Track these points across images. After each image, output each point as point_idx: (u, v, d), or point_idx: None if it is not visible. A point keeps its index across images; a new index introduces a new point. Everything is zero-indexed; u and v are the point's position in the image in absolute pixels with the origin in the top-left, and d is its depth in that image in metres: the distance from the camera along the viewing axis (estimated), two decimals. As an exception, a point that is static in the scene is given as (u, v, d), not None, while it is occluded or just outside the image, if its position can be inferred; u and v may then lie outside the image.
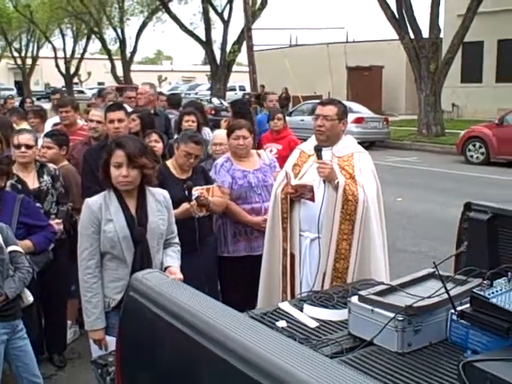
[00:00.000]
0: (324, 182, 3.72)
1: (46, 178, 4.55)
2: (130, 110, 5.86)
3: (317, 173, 3.73)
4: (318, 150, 3.80)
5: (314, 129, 3.91)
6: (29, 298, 3.65)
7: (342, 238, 3.68)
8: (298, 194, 3.75)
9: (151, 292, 1.91)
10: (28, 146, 4.42)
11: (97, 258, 3.32)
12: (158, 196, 3.49)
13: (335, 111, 3.87)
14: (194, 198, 4.19)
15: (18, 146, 4.41)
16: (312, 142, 4.02)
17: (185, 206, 4.18)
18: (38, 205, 4.40)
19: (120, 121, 4.84)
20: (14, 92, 43.78)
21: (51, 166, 4.71)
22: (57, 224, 4.41)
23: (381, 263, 3.79)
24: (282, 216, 3.85)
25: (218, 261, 4.59)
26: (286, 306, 2.71)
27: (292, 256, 3.83)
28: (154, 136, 5.24)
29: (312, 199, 3.71)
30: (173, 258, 3.53)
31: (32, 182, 4.47)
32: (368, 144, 19.47)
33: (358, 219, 3.67)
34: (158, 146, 5.06)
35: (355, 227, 3.68)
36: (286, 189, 3.82)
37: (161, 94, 9.82)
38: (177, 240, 3.63)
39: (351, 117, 19.14)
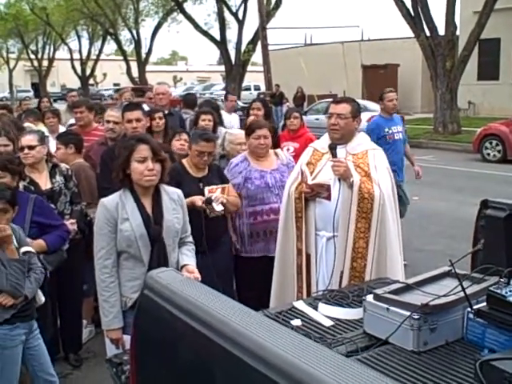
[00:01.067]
0: (339, 180, 3.71)
1: (58, 178, 4.57)
2: (147, 109, 5.88)
3: (332, 171, 3.72)
4: (332, 148, 3.79)
5: (328, 127, 3.91)
6: (41, 298, 3.68)
7: (358, 237, 3.67)
8: (314, 193, 3.73)
9: (165, 290, 1.91)
10: (30, 147, 4.42)
11: (113, 258, 3.33)
12: (172, 195, 3.51)
13: (349, 109, 3.87)
14: (207, 197, 4.19)
15: (22, 148, 4.44)
16: (325, 140, 4.01)
17: (196, 198, 4.15)
18: (51, 205, 4.41)
19: (138, 120, 4.84)
20: (31, 94, 44.15)
21: (63, 165, 4.72)
22: (71, 224, 4.43)
23: (397, 261, 3.79)
24: (296, 215, 3.83)
25: (233, 260, 4.60)
26: (300, 305, 2.70)
27: (308, 256, 3.81)
28: (184, 136, 5.22)
29: (328, 198, 3.69)
30: (188, 257, 3.54)
31: (44, 182, 4.49)
32: (384, 143, 19.40)
33: (375, 217, 3.66)
34: (186, 146, 4.93)
35: (372, 225, 3.67)
36: (300, 188, 3.81)
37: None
38: (191, 239, 3.64)
39: (366, 115, 19.07)
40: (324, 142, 4.01)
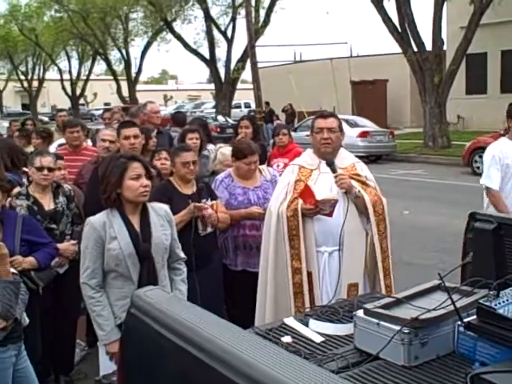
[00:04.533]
0: (345, 193, 3.74)
1: (61, 199, 4.55)
2: None
3: (337, 186, 3.76)
4: (330, 164, 3.83)
5: (318, 143, 3.89)
6: (26, 318, 3.64)
7: (382, 238, 3.80)
8: (317, 210, 3.70)
9: (152, 309, 1.89)
10: (50, 169, 4.43)
11: (99, 278, 3.34)
12: (159, 211, 3.52)
13: (337, 123, 3.92)
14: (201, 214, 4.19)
15: (41, 169, 4.40)
16: (309, 156, 4.01)
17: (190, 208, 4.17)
18: (53, 226, 4.42)
19: (135, 137, 4.83)
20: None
21: (66, 186, 4.72)
22: (72, 245, 4.41)
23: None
24: (291, 233, 3.76)
25: (223, 277, 4.58)
26: (291, 322, 2.68)
27: (309, 273, 3.77)
28: (164, 154, 5.15)
29: (330, 214, 3.69)
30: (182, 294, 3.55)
31: (48, 203, 4.47)
32: (374, 158, 19.49)
33: (387, 217, 3.86)
34: (168, 164, 4.94)
35: (387, 224, 3.86)
36: (293, 206, 3.76)
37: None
38: (182, 266, 3.63)
39: (356, 131, 19.20)
40: (309, 158, 4.00)
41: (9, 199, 4.26)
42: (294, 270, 3.77)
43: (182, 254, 3.64)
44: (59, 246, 4.36)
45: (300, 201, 3.75)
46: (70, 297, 4.45)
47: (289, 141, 6.96)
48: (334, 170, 3.80)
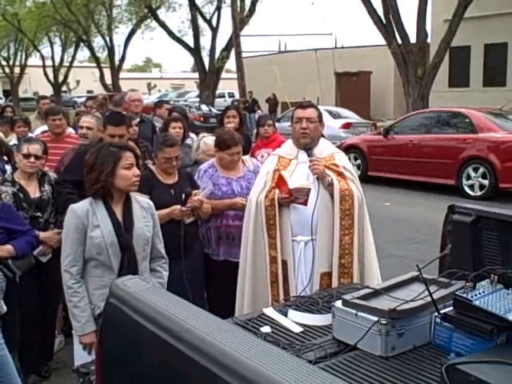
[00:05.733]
0: (317, 180, 3.73)
1: (46, 187, 4.52)
2: None
3: (310, 171, 3.76)
4: (308, 149, 3.84)
5: (297, 132, 3.91)
6: (4, 306, 3.63)
7: (344, 234, 3.74)
8: (292, 199, 3.72)
9: (130, 298, 1.89)
10: (37, 157, 4.38)
11: (79, 265, 3.33)
12: (142, 203, 3.54)
13: (316, 113, 3.94)
14: (187, 205, 4.19)
15: (28, 156, 4.35)
16: (289, 146, 4.02)
17: (176, 207, 4.17)
18: (38, 214, 4.38)
19: (121, 137, 4.69)
20: (2, 101, 43.58)
21: (52, 175, 4.68)
22: (57, 234, 4.37)
23: (374, 256, 3.94)
24: (268, 223, 3.79)
25: (203, 267, 4.59)
26: (270, 312, 2.70)
27: (283, 262, 3.79)
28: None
29: (305, 203, 3.70)
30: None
31: (34, 191, 4.43)
32: (357, 149, 19.56)
33: (356, 213, 3.77)
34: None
35: (354, 221, 3.76)
36: (271, 195, 3.79)
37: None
38: (163, 270, 3.63)
39: (339, 122, 19.23)
40: (288, 148, 4.02)
41: None
42: (271, 259, 3.79)
43: (163, 252, 3.62)
44: (43, 234, 4.32)
45: (277, 190, 3.77)
46: (52, 286, 4.41)
47: (273, 131, 6.96)
48: (310, 155, 3.85)
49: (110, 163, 3.32)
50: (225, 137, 4.70)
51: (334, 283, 3.70)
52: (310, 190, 3.69)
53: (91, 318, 3.32)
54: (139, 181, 3.42)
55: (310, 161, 3.79)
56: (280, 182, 3.76)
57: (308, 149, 3.87)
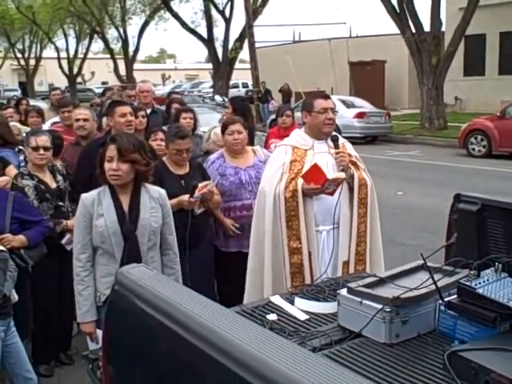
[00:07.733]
0: (342, 170, 3.78)
1: (59, 177, 4.57)
2: None
3: (328, 161, 3.80)
4: (335, 140, 3.89)
5: (322, 122, 3.85)
6: (15, 295, 3.69)
7: (360, 222, 3.83)
8: (323, 189, 3.70)
9: (135, 286, 1.92)
10: (46, 148, 4.40)
11: (89, 252, 3.39)
12: (153, 193, 3.53)
13: (334, 104, 4.00)
14: (195, 196, 4.20)
15: (36, 148, 4.36)
16: (300, 136, 3.99)
17: (184, 198, 4.18)
18: (60, 203, 4.44)
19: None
20: (19, 93, 43.89)
21: (60, 165, 4.72)
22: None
23: (380, 244, 4.06)
24: (289, 214, 3.75)
25: (214, 257, 4.62)
26: (277, 300, 2.72)
27: (309, 253, 3.77)
28: (160, 134, 5.05)
29: (333, 193, 3.72)
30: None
31: (50, 182, 4.48)
32: (370, 138, 19.48)
33: (369, 202, 3.88)
34: (163, 144, 4.83)
35: (368, 209, 3.87)
36: (291, 186, 3.73)
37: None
38: (174, 258, 3.65)
39: (353, 112, 19.17)
40: (301, 138, 3.97)
41: (14, 180, 4.29)
42: (291, 251, 3.76)
43: (174, 244, 3.63)
44: (70, 222, 4.32)
45: (299, 181, 3.72)
46: (70, 275, 4.45)
47: (292, 123, 6.95)
48: (336, 146, 3.87)
49: (100, 152, 3.41)
50: (225, 121, 4.86)
51: (351, 271, 3.75)
52: (343, 180, 3.73)
53: (93, 307, 3.39)
54: (118, 175, 3.35)
55: (337, 152, 3.82)
56: (314, 172, 3.68)
57: (334, 140, 3.89)
